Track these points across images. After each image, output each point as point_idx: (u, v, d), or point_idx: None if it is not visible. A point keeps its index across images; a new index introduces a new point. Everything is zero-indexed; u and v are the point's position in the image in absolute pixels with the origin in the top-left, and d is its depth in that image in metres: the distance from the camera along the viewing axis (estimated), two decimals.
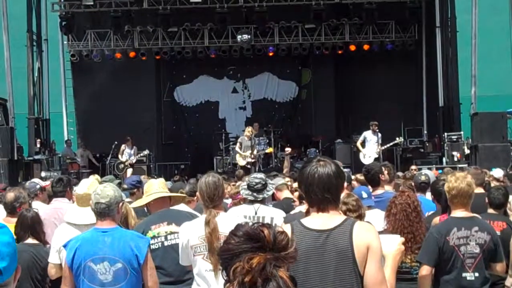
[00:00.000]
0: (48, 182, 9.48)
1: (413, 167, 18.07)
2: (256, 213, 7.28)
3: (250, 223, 2.55)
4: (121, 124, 25.79)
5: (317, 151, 24.98)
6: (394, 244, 4.19)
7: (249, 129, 22.56)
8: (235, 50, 27.01)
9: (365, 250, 3.81)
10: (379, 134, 21.83)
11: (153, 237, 6.28)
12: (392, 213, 6.41)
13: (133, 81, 27.33)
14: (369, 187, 8.45)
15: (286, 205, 8.55)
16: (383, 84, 27.48)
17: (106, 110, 27.35)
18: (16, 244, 2.66)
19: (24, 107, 26.12)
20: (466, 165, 19.62)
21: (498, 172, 12.97)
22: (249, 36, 26.24)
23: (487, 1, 27.04)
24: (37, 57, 27.01)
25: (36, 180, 10.02)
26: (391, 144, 22.50)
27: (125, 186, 9.61)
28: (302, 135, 27.89)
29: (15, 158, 22.21)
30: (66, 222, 6.54)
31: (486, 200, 7.54)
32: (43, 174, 21.70)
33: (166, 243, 6.33)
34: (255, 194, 7.36)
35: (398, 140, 22.74)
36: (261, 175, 7.72)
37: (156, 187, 6.74)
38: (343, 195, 5.90)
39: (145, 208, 7.22)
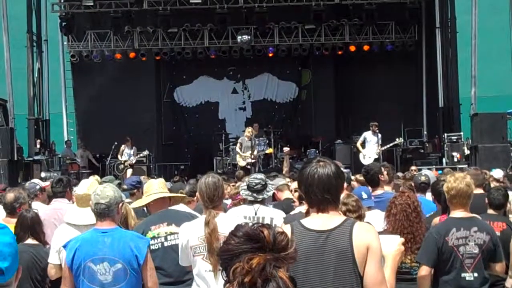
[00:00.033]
0: (47, 183, 9.47)
1: (413, 167, 18.06)
2: (256, 214, 7.28)
3: (250, 224, 2.55)
4: (121, 124, 25.79)
5: (317, 151, 24.98)
6: (394, 245, 4.19)
7: (249, 129, 22.56)
8: (235, 51, 27.01)
9: (365, 250, 3.81)
10: (379, 135, 21.82)
11: (153, 238, 6.28)
12: (392, 214, 6.41)
13: (133, 81, 27.34)
14: (369, 187, 8.44)
15: (286, 206, 8.55)
16: (383, 85, 27.48)
17: (106, 110, 27.36)
18: (17, 245, 2.66)
19: (24, 108, 26.12)
20: (466, 166, 19.62)
21: (498, 173, 12.95)
22: (249, 37, 26.25)
23: (487, 2, 27.04)
24: (37, 58, 27.02)
25: (35, 180, 10.02)
26: (391, 144, 22.49)
27: (125, 186, 9.61)
28: (302, 135, 27.89)
29: (15, 158, 22.21)
30: (66, 222, 6.55)
31: (486, 201, 7.53)
32: (43, 174, 21.69)
33: (166, 244, 6.33)
34: (255, 194, 7.36)
35: (398, 140, 22.73)
36: (261, 176, 7.71)
37: (156, 187, 6.74)
38: (343, 195, 5.90)
39: (145, 209, 7.22)
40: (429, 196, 8.67)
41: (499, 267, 6.08)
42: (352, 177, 11.21)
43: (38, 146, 25.34)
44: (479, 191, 8.40)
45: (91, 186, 6.39)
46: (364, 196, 7.46)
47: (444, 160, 22.66)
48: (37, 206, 8.12)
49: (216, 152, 25.75)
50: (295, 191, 8.72)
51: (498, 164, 18.21)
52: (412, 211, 6.38)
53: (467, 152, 22.46)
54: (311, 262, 3.82)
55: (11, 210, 7.28)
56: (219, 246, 5.08)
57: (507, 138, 21.39)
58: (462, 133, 23.42)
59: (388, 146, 22.29)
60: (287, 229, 3.89)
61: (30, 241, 6.52)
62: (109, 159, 24.06)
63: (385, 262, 4.07)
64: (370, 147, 21.81)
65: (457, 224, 5.97)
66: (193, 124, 28.98)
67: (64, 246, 5.51)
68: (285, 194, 9.24)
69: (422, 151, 24.44)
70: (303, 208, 6.79)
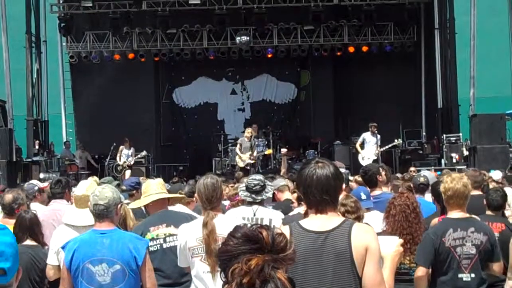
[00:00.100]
0: (46, 184, 9.47)
1: (412, 168, 18.07)
2: (254, 215, 7.27)
3: (249, 225, 2.55)
4: (120, 125, 25.79)
5: (316, 152, 24.99)
6: (392, 246, 4.19)
7: (248, 130, 22.55)
8: (234, 52, 27.02)
9: (363, 251, 3.81)
10: (378, 136, 21.82)
11: (152, 239, 6.28)
12: (391, 214, 6.41)
13: (131, 82, 27.35)
14: (367, 188, 8.44)
15: (284, 207, 8.55)
16: (381, 86, 27.49)
17: (104, 111, 27.36)
18: (17, 245, 2.67)
19: (23, 109, 26.11)
20: (464, 167, 19.63)
21: (497, 174, 12.96)
22: (248, 38, 26.26)
23: (485, 3, 27.04)
24: (36, 59, 27.00)
25: (34, 181, 10.01)
26: (390, 145, 22.50)
27: (124, 187, 9.60)
28: (301, 136, 27.89)
29: (14, 159, 22.21)
30: (64, 223, 6.54)
31: (484, 202, 7.53)
32: (41, 175, 21.66)
33: (165, 245, 6.33)
34: (253, 195, 7.36)
35: (397, 141, 22.74)
36: (260, 177, 7.71)
37: (154, 188, 6.72)
38: (341, 196, 5.90)
39: (143, 209, 7.21)
40: (427, 197, 8.68)
41: (496, 267, 6.08)
42: (351, 178, 11.22)
43: (37, 147, 25.33)
44: (478, 192, 8.40)
45: (90, 187, 6.39)
46: (363, 197, 7.46)
47: (443, 161, 22.67)
48: (36, 207, 8.12)
49: (215, 153, 25.76)
50: (293, 192, 8.73)
51: (497, 165, 18.23)
52: (411, 212, 6.38)
53: (466, 153, 22.47)
54: (309, 263, 3.82)
55: (9, 211, 7.27)
56: (217, 247, 5.09)
57: (506, 139, 21.39)
58: (461, 134, 23.42)
59: (387, 147, 22.30)
60: (286, 230, 3.89)
61: (28, 242, 6.51)
62: (108, 160, 24.06)
63: (383, 263, 4.07)
64: (369, 148, 21.80)
65: (454, 225, 5.97)
66: (192, 125, 28.98)
67: (63, 247, 5.51)
68: (285, 195, 9.24)
69: (421, 152, 24.45)
70: (302, 209, 6.79)
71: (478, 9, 22.68)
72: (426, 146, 24.78)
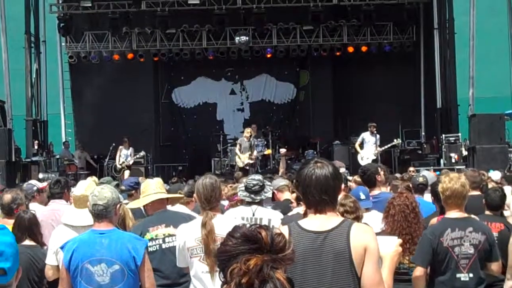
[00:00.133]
0: (45, 184, 9.46)
1: (411, 168, 18.08)
2: (253, 215, 7.27)
3: (248, 225, 2.55)
4: (119, 125, 25.79)
5: (315, 152, 24.99)
6: (391, 246, 4.19)
7: (248, 130, 22.53)
8: (233, 52, 27.02)
9: (362, 251, 3.81)
10: (378, 136, 21.80)
11: (151, 239, 6.28)
12: (391, 214, 6.42)
13: (131, 82, 27.35)
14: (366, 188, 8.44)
15: (284, 207, 8.55)
16: (381, 86, 27.50)
17: (104, 111, 27.36)
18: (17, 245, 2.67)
19: (22, 109, 26.10)
20: (464, 167, 19.62)
21: (496, 174, 12.97)
22: (247, 38, 26.26)
23: (485, 3, 27.05)
24: (35, 59, 26.99)
25: (33, 181, 10.00)
26: (389, 145, 22.49)
27: (123, 187, 9.59)
28: (300, 136, 27.89)
29: (13, 159, 22.20)
30: (63, 223, 6.54)
31: (483, 202, 7.53)
32: (40, 175, 21.66)
33: (164, 246, 6.33)
34: (252, 195, 7.36)
35: (396, 141, 22.74)
36: (259, 177, 7.71)
37: (153, 188, 6.72)
38: (340, 196, 5.90)
39: (142, 208, 7.21)
40: (426, 197, 8.68)
41: (495, 266, 6.08)
42: (351, 178, 11.22)
43: (36, 147, 25.31)
44: (477, 192, 8.40)
45: (89, 187, 6.39)
46: (362, 197, 7.46)
47: (442, 161, 22.67)
48: (35, 207, 8.12)
49: (214, 153, 25.77)
50: (293, 192, 8.73)
51: (496, 165, 18.24)
52: (411, 212, 6.38)
53: (465, 153, 22.48)
54: (308, 263, 3.82)
55: (8, 211, 7.27)
56: (216, 247, 5.09)
57: (505, 139, 21.39)
58: (460, 134, 23.42)
59: (386, 147, 22.29)
60: (285, 230, 3.89)
61: (27, 242, 6.51)
62: (107, 160, 24.07)
63: (382, 263, 4.07)
64: (368, 148, 21.79)
65: (452, 225, 5.96)
66: (191, 125, 28.98)
67: (62, 247, 5.50)
68: (285, 195, 9.23)
69: (420, 152, 24.45)
70: (301, 209, 6.79)
71: (477, 9, 22.69)
72: (425, 146, 24.78)
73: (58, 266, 5.99)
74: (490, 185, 10.05)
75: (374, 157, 21.40)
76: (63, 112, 28.54)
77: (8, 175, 21.41)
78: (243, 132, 23.09)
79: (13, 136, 22.78)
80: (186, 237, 5.64)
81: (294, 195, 8.41)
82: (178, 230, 5.83)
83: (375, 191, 8.49)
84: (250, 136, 22.14)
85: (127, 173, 22.82)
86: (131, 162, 23.39)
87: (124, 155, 23.40)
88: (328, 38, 26.57)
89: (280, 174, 18.11)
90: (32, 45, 26.74)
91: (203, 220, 5.56)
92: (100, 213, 5.38)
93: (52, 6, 26.57)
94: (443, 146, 22.75)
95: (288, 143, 25.39)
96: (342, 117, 27.65)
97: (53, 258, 6.18)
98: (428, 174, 10.25)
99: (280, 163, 22.64)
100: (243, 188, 7.48)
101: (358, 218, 6.31)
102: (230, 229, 2.58)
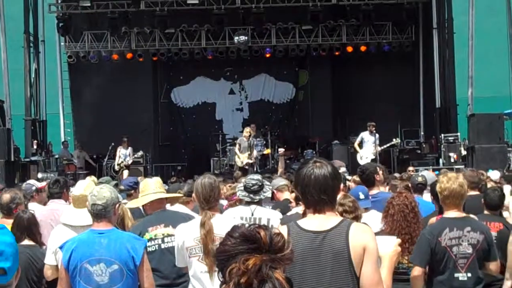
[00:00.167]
0: (44, 183, 9.45)
1: (411, 168, 18.09)
2: (252, 215, 7.27)
3: (247, 225, 2.55)
4: (118, 125, 25.79)
5: (314, 152, 24.99)
6: (390, 245, 4.19)
7: (247, 129, 22.50)
8: (232, 52, 27.02)
9: (361, 251, 3.81)
10: (377, 135, 21.77)
11: (150, 240, 6.27)
12: (390, 214, 6.41)
13: (130, 82, 27.35)
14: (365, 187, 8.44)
15: (283, 207, 8.55)
16: (380, 86, 27.51)
17: (103, 111, 27.37)
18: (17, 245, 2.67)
19: (21, 109, 26.09)
20: (463, 167, 19.63)
21: (495, 174, 12.98)
22: (246, 38, 26.25)
23: (484, 3, 27.06)
24: (34, 59, 26.98)
25: (31, 181, 9.99)
26: (388, 145, 22.50)
27: (122, 187, 9.59)
28: (299, 136, 27.91)
29: (12, 159, 22.20)
30: (62, 223, 6.53)
31: (482, 202, 7.54)
32: (39, 175, 21.66)
33: (163, 246, 6.33)
34: (251, 195, 7.35)
35: (395, 141, 22.75)
36: (258, 176, 7.71)
37: (152, 187, 6.71)
38: (339, 196, 5.90)
39: (141, 208, 7.20)
40: (426, 196, 8.69)
41: (493, 266, 6.07)
42: (350, 178, 11.22)
43: (35, 147, 25.31)
44: (475, 192, 8.40)
45: (88, 187, 6.38)
46: (361, 196, 7.45)
47: (441, 160, 22.68)
48: (34, 207, 8.11)
49: (213, 153, 25.77)
50: (292, 191, 8.73)
51: (495, 164, 18.25)
52: (410, 211, 6.38)
53: (464, 152, 22.49)
54: (307, 263, 3.81)
55: (7, 211, 7.26)
56: (214, 247, 5.08)
57: (504, 139, 21.40)
58: (459, 133, 23.44)
59: (385, 146, 22.30)
60: (284, 230, 3.89)
61: (26, 242, 6.50)
62: (106, 160, 24.06)
63: (381, 263, 4.07)
64: (367, 148, 21.77)
65: (450, 224, 5.96)
66: (190, 125, 28.98)
67: (61, 247, 5.50)
68: (285, 195, 9.23)
69: (419, 151, 24.46)
70: (300, 209, 6.79)
71: (476, 9, 22.70)
72: (424, 145, 24.80)
73: (57, 266, 5.99)
74: (489, 185, 10.04)
75: (373, 157, 21.39)
76: (62, 112, 28.53)
77: (7, 174, 21.41)
78: (242, 131, 23.08)
79: (12, 136, 22.78)
80: (185, 236, 5.63)
81: (293, 194, 8.41)
82: (176, 230, 5.83)
83: (374, 191, 8.49)
84: (250, 135, 22.12)
85: (126, 173, 22.82)
86: (130, 162, 23.39)
87: (123, 155, 23.40)
88: (327, 38, 26.57)
89: (278, 174, 18.11)
90: (31, 44, 26.74)
91: (202, 220, 5.56)
92: (99, 213, 5.38)
93: (51, 6, 26.56)
94: (442, 146, 22.76)
95: (287, 143, 25.40)
96: (341, 117, 27.66)
97: (52, 258, 6.18)
98: (427, 174, 10.26)
99: (278, 163, 22.64)
100: (242, 188, 7.48)
101: (357, 218, 6.30)
102: (229, 229, 2.58)
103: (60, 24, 26.36)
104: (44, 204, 8.66)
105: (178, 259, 5.73)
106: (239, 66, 28.62)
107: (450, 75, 25.07)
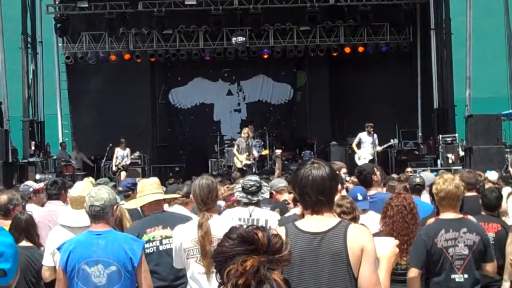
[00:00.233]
0: (41, 184, 9.45)
1: (409, 169, 18.08)
2: (250, 216, 7.27)
3: (244, 226, 2.55)
4: (116, 126, 25.78)
5: (312, 153, 24.97)
6: (388, 247, 4.19)
7: (245, 130, 22.50)
8: (230, 52, 27.00)
9: (359, 252, 3.81)
10: (375, 135, 21.78)
11: (148, 241, 6.27)
12: (389, 215, 6.41)
13: (128, 83, 27.33)
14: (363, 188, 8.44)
15: (281, 208, 8.55)
16: (377, 86, 27.51)
17: (101, 112, 27.35)
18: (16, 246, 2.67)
19: (19, 110, 26.07)
20: (460, 167, 19.64)
21: (493, 175, 12.97)
22: (244, 39, 26.25)
23: (481, 3, 27.07)
24: (32, 60, 26.96)
25: (29, 182, 9.99)
26: (386, 146, 22.52)
27: (120, 188, 9.59)
28: (297, 137, 27.91)
29: (10, 160, 22.17)
30: (60, 224, 6.54)
31: (480, 203, 7.54)
32: (37, 176, 21.63)
33: (161, 248, 6.32)
34: (249, 196, 7.36)
35: (393, 141, 22.75)
36: (256, 177, 7.71)
37: (150, 188, 6.70)
38: (337, 197, 5.90)
39: (139, 209, 7.19)
40: (424, 197, 8.68)
41: (490, 267, 6.08)
42: (348, 178, 11.22)
43: (32, 148, 25.27)
44: (473, 193, 8.41)
45: (86, 188, 6.38)
46: (360, 197, 7.45)
47: (439, 161, 22.68)
48: (32, 208, 8.11)
49: (211, 154, 25.75)
50: (290, 193, 8.73)
51: (493, 165, 18.22)
52: (408, 212, 6.38)
53: (461, 153, 22.47)
54: (305, 264, 3.82)
55: (5, 212, 7.26)
56: (212, 248, 5.09)
57: (502, 140, 21.41)
58: (456, 134, 23.44)
59: (383, 147, 22.30)
60: (282, 231, 3.89)
61: (24, 243, 6.50)
62: (103, 161, 24.05)
63: (379, 264, 4.07)
64: (365, 148, 21.78)
65: (446, 226, 5.96)
66: (188, 126, 28.97)
67: (58, 248, 5.50)
68: (284, 197, 9.23)
69: (417, 152, 24.47)
70: (298, 210, 6.79)
71: (474, 10, 22.71)
72: (422, 146, 24.80)
73: (55, 267, 5.98)
74: (487, 186, 10.05)
75: (371, 157, 21.40)
76: (60, 113, 28.49)
77: (5, 176, 21.37)
78: (240, 132, 23.07)
79: (10, 137, 22.75)
80: (183, 238, 5.63)
81: (292, 196, 8.41)
82: (174, 231, 5.83)
83: (371, 191, 8.50)
84: (248, 136, 22.12)
85: (123, 174, 22.79)
86: (127, 163, 23.37)
87: (120, 156, 23.37)
88: (325, 39, 26.57)
89: (276, 175, 18.10)
90: (29, 45, 26.72)
91: (200, 221, 5.56)
92: (97, 214, 5.37)
93: (48, 7, 26.53)
94: (440, 147, 22.76)
95: (285, 144, 25.39)
96: (339, 118, 27.66)
97: (50, 259, 6.18)
98: (426, 175, 10.26)
99: (276, 164, 22.63)
100: (240, 189, 7.48)
101: (355, 219, 6.30)
102: (227, 230, 2.58)
103: (58, 25, 26.33)
104: (42, 205, 8.65)
105: (176, 260, 5.73)
106: (237, 67, 28.61)
107: (448, 76, 25.07)
